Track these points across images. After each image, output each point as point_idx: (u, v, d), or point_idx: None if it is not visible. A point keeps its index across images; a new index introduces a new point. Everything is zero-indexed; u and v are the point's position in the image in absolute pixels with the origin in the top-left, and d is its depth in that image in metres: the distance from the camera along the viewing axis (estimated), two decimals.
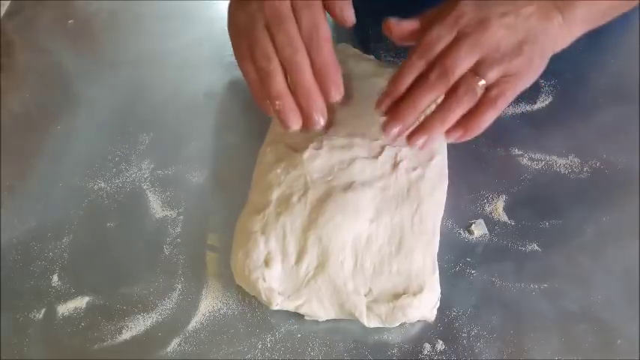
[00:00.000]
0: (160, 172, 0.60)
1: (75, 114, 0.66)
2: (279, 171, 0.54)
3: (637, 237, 0.54)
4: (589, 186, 0.57)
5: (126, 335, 0.51)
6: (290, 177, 0.54)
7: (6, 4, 0.76)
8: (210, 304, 0.52)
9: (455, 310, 0.51)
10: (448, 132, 0.48)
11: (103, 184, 0.60)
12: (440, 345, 0.49)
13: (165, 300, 0.53)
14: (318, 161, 0.54)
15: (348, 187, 0.53)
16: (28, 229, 0.57)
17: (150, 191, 0.59)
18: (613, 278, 0.52)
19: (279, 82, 0.48)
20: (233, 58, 0.52)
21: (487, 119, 0.48)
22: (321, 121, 0.49)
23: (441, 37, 0.48)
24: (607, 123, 0.60)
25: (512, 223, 0.55)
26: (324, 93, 0.48)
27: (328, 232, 0.50)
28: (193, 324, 0.51)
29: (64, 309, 0.52)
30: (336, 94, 0.49)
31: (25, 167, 0.62)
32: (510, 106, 0.63)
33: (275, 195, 0.53)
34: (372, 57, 0.65)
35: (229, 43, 0.53)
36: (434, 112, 0.48)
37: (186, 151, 0.62)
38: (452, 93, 0.47)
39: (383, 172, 0.54)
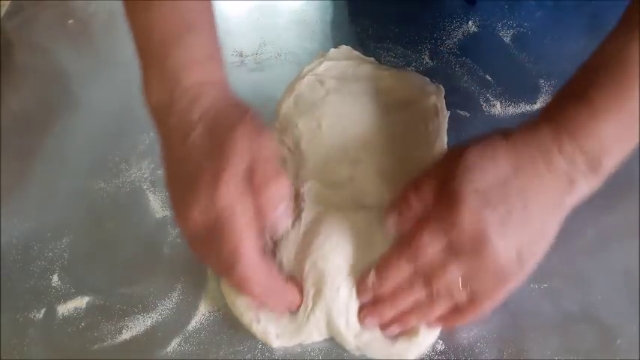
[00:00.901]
0: (160, 172, 0.60)
1: (75, 114, 0.66)
2: None
3: (637, 237, 0.54)
4: None
5: (126, 335, 0.51)
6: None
7: (6, 4, 0.76)
8: (210, 304, 0.52)
9: None
10: (430, 324, 0.48)
11: (103, 184, 0.60)
12: (440, 345, 0.49)
13: (165, 300, 0.53)
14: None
15: (344, 208, 0.52)
16: (28, 229, 0.57)
17: (150, 191, 0.59)
18: (613, 278, 0.52)
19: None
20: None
21: (470, 320, 0.47)
22: (294, 305, 0.49)
23: (432, 244, 0.44)
24: None
25: None
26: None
27: (323, 255, 0.49)
28: (193, 324, 0.51)
29: (64, 309, 0.52)
30: (291, 306, 0.49)
31: (25, 167, 0.62)
32: (510, 106, 0.63)
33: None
34: (372, 59, 0.65)
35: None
36: (412, 310, 0.47)
37: None
38: (434, 297, 0.46)
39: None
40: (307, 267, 0.49)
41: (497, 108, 0.63)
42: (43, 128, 0.65)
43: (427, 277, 0.45)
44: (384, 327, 0.48)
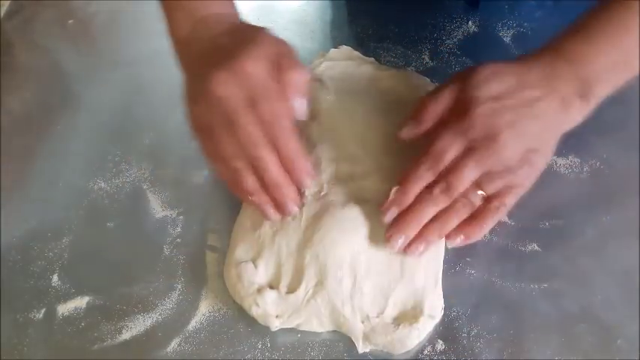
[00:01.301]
0: (159, 172, 0.60)
1: (75, 114, 0.66)
2: None
3: (637, 237, 0.54)
4: (589, 186, 0.57)
5: (126, 335, 0.51)
6: None
7: (6, 4, 0.76)
8: (210, 304, 0.52)
9: (455, 310, 0.51)
10: (448, 237, 0.50)
11: (103, 184, 0.60)
12: (440, 345, 0.49)
13: (165, 300, 0.53)
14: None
15: (345, 202, 0.52)
16: (28, 229, 0.57)
17: (150, 191, 0.59)
18: (613, 278, 0.52)
19: (248, 181, 0.48)
20: None
21: (487, 227, 0.50)
22: (294, 209, 0.50)
23: (450, 148, 0.48)
24: (607, 123, 0.60)
25: (512, 223, 0.55)
26: (295, 182, 0.50)
27: (325, 248, 0.49)
28: (193, 324, 0.51)
29: (64, 309, 0.52)
30: (307, 181, 0.50)
31: (25, 167, 0.62)
32: None
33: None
34: (372, 59, 0.65)
35: None
36: (432, 221, 0.49)
37: (186, 151, 0.62)
38: (451, 204, 0.49)
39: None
40: (308, 258, 0.49)
41: None
42: (43, 128, 0.65)
43: (448, 183, 0.48)
44: (407, 246, 0.49)
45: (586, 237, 0.54)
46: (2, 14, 0.76)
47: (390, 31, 0.70)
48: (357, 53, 0.65)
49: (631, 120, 0.61)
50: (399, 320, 0.49)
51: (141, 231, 0.57)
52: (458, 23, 0.70)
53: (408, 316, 0.49)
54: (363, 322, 0.49)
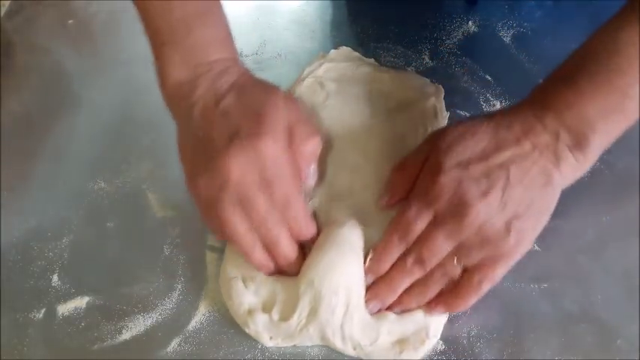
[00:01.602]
0: (159, 172, 0.60)
1: (75, 114, 0.66)
2: None
3: (637, 237, 0.54)
4: (589, 186, 0.57)
5: (126, 335, 0.51)
6: None
7: (6, 4, 0.76)
8: (210, 304, 0.52)
9: None
10: (429, 308, 0.48)
11: (103, 184, 0.60)
12: (440, 345, 0.49)
13: (165, 300, 0.53)
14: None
15: (343, 223, 0.51)
16: (28, 229, 0.57)
17: (150, 191, 0.59)
18: (613, 278, 0.52)
19: (257, 255, 0.48)
20: None
21: (470, 301, 0.48)
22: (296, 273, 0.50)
23: (417, 219, 0.47)
24: None
25: None
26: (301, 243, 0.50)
27: (320, 273, 0.48)
28: (193, 324, 0.51)
29: (64, 309, 0.52)
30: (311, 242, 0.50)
31: (25, 167, 0.62)
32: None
33: None
34: (372, 60, 0.65)
35: None
36: (409, 291, 0.48)
37: None
38: (428, 274, 0.48)
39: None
40: (304, 286, 0.48)
41: (497, 108, 0.63)
42: (43, 128, 0.65)
43: (419, 253, 0.47)
44: (388, 309, 0.49)
45: (586, 237, 0.54)
46: (2, 14, 0.76)
47: (390, 31, 0.70)
48: (356, 54, 0.65)
49: None
50: (402, 346, 0.48)
51: (141, 231, 0.57)
52: (458, 23, 0.70)
53: (412, 341, 0.48)
54: (355, 349, 0.48)
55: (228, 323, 0.51)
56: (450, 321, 0.50)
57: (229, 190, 0.45)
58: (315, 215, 0.53)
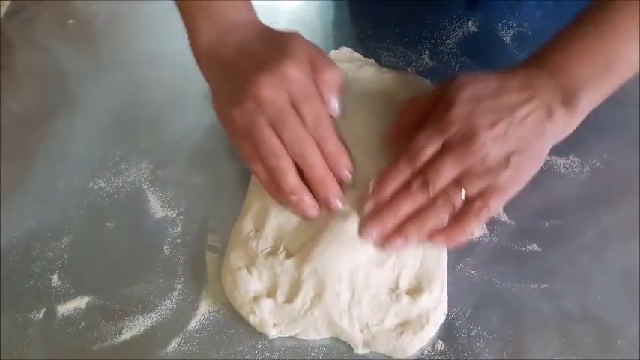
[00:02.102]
0: (160, 172, 0.60)
1: (75, 114, 0.66)
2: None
3: (637, 237, 0.54)
4: (589, 186, 0.57)
5: (126, 335, 0.51)
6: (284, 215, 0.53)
7: (6, 4, 0.76)
8: (210, 304, 0.52)
9: (455, 310, 0.51)
10: (430, 239, 0.50)
11: (103, 184, 0.60)
12: (440, 345, 0.49)
13: (165, 300, 0.53)
14: None
15: (345, 215, 0.51)
16: (28, 229, 0.57)
17: (150, 191, 0.59)
18: (613, 278, 0.52)
19: (291, 178, 0.50)
20: None
21: (469, 230, 0.49)
22: (339, 204, 0.51)
23: (428, 145, 0.49)
24: (607, 123, 0.60)
25: (513, 223, 0.55)
26: (337, 177, 0.51)
27: (324, 262, 0.49)
28: (193, 324, 0.51)
29: (64, 309, 0.52)
30: (348, 176, 0.52)
31: (25, 167, 0.62)
32: None
33: (268, 227, 0.52)
34: (372, 61, 0.65)
35: None
36: (412, 219, 0.49)
37: (186, 151, 0.62)
38: (431, 202, 0.49)
39: None
40: (306, 272, 0.49)
41: None
42: (43, 128, 0.65)
43: (424, 178, 0.48)
44: (386, 239, 0.49)
45: (586, 237, 0.54)
46: (2, 14, 0.76)
47: (390, 31, 0.70)
48: (357, 55, 0.65)
49: (631, 120, 0.61)
50: (403, 328, 0.49)
51: (141, 231, 0.57)
52: (458, 23, 0.70)
53: (413, 324, 0.49)
54: (362, 331, 0.49)
55: (229, 323, 0.51)
56: (450, 321, 0.50)
57: (263, 111, 0.48)
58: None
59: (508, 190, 0.49)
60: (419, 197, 0.49)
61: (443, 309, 0.50)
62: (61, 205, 0.59)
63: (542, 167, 0.58)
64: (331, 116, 0.52)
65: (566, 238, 0.54)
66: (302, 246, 0.51)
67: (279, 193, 0.51)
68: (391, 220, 0.49)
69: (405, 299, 0.49)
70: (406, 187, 0.49)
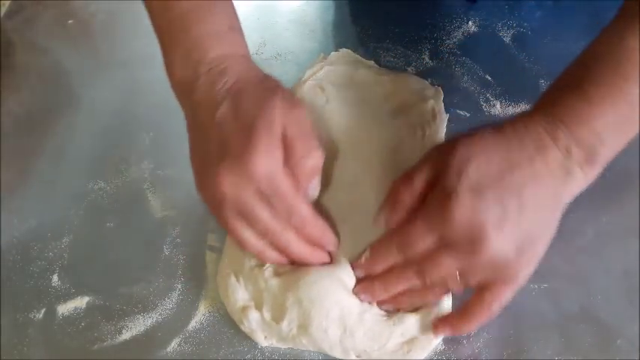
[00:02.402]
0: (160, 172, 0.60)
1: (75, 114, 0.66)
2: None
3: (637, 237, 0.54)
4: (589, 186, 0.57)
5: (126, 335, 0.51)
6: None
7: (6, 4, 0.76)
8: (210, 304, 0.52)
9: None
10: (436, 328, 0.47)
11: (103, 184, 0.60)
12: (440, 345, 0.49)
13: (165, 300, 0.53)
14: None
15: (338, 262, 0.49)
16: (28, 229, 0.57)
17: (150, 191, 0.59)
18: (613, 278, 0.52)
19: (270, 255, 0.48)
20: None
21: (478, 324, 0.46)
22: (327, 258, 0.49)
23: (424, 239, 0.44)
24: None
25: None
26: (320, 247, 0.49)
27: (311, 296, 0.47)
28: (193, 324, 0.51)
29: (64, 309, 0.52)
30: (331, 246, 0.49)
31: (25, 167, 0.62)
32: (510, 106, 0.63)
33: None
34: (372, 62, 0.65)
35: None
36: (407, 293, 0.47)
37: (186, 151, 0.61)
38: (428, 285, 0.46)
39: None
40: (290, 300, 0.47)
41: (497, 108, 0.63)
42: (43, 128, 0.65)
43: (420, 269, 0.45)
44: (379, 304, 0.48)
45: (586, 237, 0.54)
46: (2, 14, 0.76)
47: (390, 31, 0.70)
48: (357, 57, 0.65)
49: None
50: (410, 346, 0.48)
51: (141, 231, 0.57)
52: (458, 23, 0.70)
53: (422, 340, 0.48)
54: (359, 356, 0.48)
55: (228, 323, 0.51)
56: None
57: (227, 207, 0.45)
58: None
59: (519, 279, 0.44)
60: (413, 282, 0.46)
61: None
62: (61, 205, 0.59)
63: None
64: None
65: (566, 238, 0.54)
66: (291, 268, 0.49)
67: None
68: (382, 295, 0.48)
69: (412, 319, 0.48)
70: (401, 269, 0.46)
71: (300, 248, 0.48)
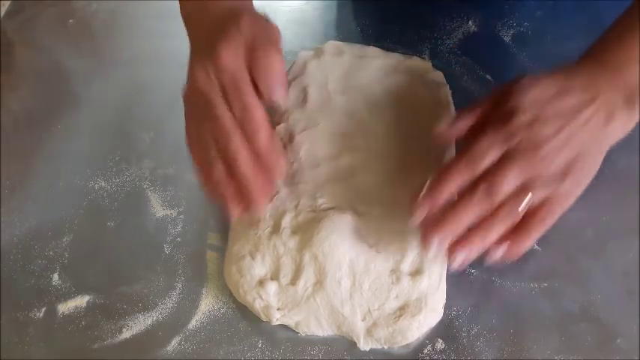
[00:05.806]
0: (160, 171, 0.60)
1: (75, 114, 0.66)
2: None
3: (637, 237, 0.54)
4: (589, 186, 0.57)
5: (126, 334, 0.51)
6: (283, 192, 0.54)
7: (6, 4, 0.76)
8: (210, 303, 0.52)
9: (455, 309, 0.51)
10: (495, 246, 0.46)
11: (103, 184, 0.60)
12: (440, 344, 0.49)
13: (165, 299, 0.53)
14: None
15: (344, 210, 0.52)
16: (28, 229, 0.57)
17: (150, 190, 0.59)
18: (613, 278, 0.52)
19: (216, 170, 0.47)
20: None
21: (534, 237, 0.47)
22: (259, 206, 0.47)
23: (490, 151, 0.46)
24: None
25: None
26: (267, 177, 0.47)
27: (324, 250, 0.49)
28: (193, 323, 0.51)
29: (65, 308, 0.53)
30: (279, 176, 0.49)
31: (25, 167, 0.62)
32: None
33: (267, 212, 0.53)
34: (359, 45, 0.66)
35: None
36: (474, 229, 0.46)
37: (186, 151, 0.62)
38: (495, 211, 0.45)
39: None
40: (307, 258, 0.50)
41: None
42: (44, 128, 0.65)
43: (490, 183, 0.45)
44: (450, 251, 0.46)
45: (586, 237, 0.54)
46: (2, 14, 0.76)
47: (390, 31, 0.70)
48: (344, 45, 0.65)
49: None
50: (402, 312, 0.49)
51: (141, 230, 0.57)
52: (458, 23, 0.70)
53: (411, 307, 0.49)
54: (364, 319, 0.49)
55: (229, 322, 0.51)
56: (450, 320, 0.50)
57: (199, 102, 0.47)
58: (312, 198, 0.53)
59: (570, 197, 0.47)
60: (482, 206, 0.45)
61: (441, 299, 0.50)
62: (61, 205, 0.59)
63: None
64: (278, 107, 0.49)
65: (566, 238, 0.54)
66: (304, 224, 0.51)
67: (206, 185, 0.49)
68: (454, 228, 0.45)
69: (406, 280, 0.49)
70: (470, 193, 0.45)
71: (246, 162, 0.46)
